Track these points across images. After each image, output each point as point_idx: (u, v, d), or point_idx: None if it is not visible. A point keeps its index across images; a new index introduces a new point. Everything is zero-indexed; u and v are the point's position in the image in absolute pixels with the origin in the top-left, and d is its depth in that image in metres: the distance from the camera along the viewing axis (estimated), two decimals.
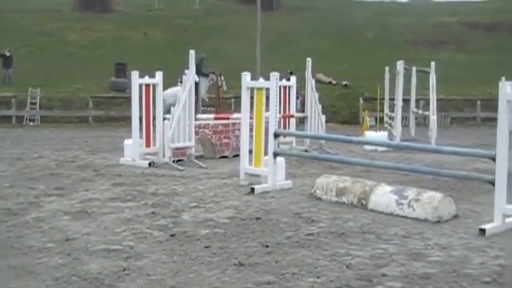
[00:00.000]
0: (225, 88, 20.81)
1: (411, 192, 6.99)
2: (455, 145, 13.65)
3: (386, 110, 16.91)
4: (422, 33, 43.55)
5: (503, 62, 30.86)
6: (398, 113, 14.77)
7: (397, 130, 14.55)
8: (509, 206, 6.18)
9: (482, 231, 6.07)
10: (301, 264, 5.09)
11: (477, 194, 8.09)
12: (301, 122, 13.72)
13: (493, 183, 6.32)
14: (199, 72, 17.31)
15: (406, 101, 16.64)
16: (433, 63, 15.25)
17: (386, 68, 16.77)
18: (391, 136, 14.91)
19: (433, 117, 14.12)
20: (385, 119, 16.86)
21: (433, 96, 14.61)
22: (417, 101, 19.21)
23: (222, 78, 20.64)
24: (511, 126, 6.14)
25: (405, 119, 17.74)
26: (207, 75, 20.30)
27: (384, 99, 17.42)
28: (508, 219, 6.28)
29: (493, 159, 6.30)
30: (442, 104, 25.29)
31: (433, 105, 14.46)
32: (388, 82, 16.79)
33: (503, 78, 20.16)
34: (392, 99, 15.69)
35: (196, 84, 15.32)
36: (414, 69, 16.32)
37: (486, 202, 6.97)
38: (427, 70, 15.35)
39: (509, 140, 6.13)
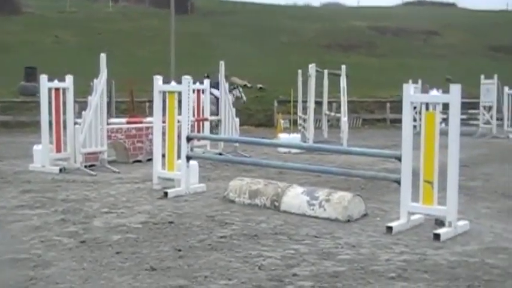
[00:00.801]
0: (245, 98, 20.66)
1: (322, 193, 7.13)
2: (365, 146, 14.05)
3: (299, 113, 17.17)
4: (335, 37, 44.53)
5: (411, 65, 32.03)
6: (311, 116, 15.04)
7: (310, 132, 14.81)
8: (414, 204, 6.41)
9: (389, 229, 6.28)
10: (214, 267, 5.10)
11: (385, 193, 8.35)
12: (216, 125, 13.73)
13: (399, 182, 6.55)
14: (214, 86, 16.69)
15: (319, 104, 16.96)
16: (343, 66, 15.62)
17: (299, 71, 17.04)
18: (304, 138, 15.16)
19: (344, 119, 14.47)
20: (299, 121, 17.12)
21: (344, 99, 14.96)
22: (330, 103, 19.62)
23: (241, 89, 20.70)
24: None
25: (318, 121, 18.07)
26: (229, 91, 19.60)
27: (297, 101, 17.69)
28: (413, 217, 6.51)
29: (399, 159, 6.53)
30: (354, 106, 25.96)
31: (344, 107, 14.80)
32: (301, 85, 17.07)
33: (410, 81, 20.95)
34: (305, 102, 15.94)
35: (218, 99, 15.68)
36: (326, 72, 16.66)
37: (393, 201, 7.20)
38: (339, 73, 15.70)
39: (414, 140, 6.37)
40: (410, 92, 6.47)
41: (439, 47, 45.63)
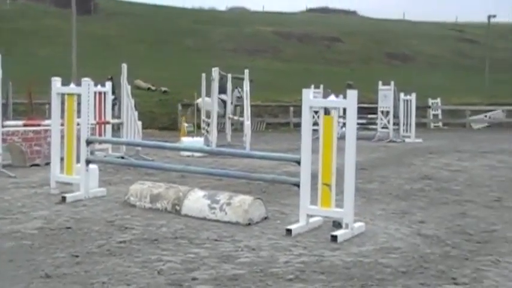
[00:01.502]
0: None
1: (223, 197, 7.16)
2: (268, 150, 14.27)
3: (203, 116, 17.17)
4: (240, 41, 44.90)
5: (315, 71, 32.75)
6: (214, 119, 15.08)
7: (213, 136, 14.85)
8: (313, 207, 6.56)
9: (289, 231, 6.38)
10: (112, 272, 5.01)
11: (286, 196, 8.48)
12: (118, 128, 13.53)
13: (298, 185, 6.67)
14: (225, 91, 18.68)
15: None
16: (246, 71, 15.75)
17: (203, 75, 17.05)
18: (207, 142, 15.17)
19: (247, 123, 14.58)
20: (202, 125, 17.13)
21: (247, 103, 15.09)
22: (234, 107, 19.73)
23: (239, 89, 20.52)
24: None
25: (221, 125, 18.14)
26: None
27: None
28: (312, 219, 6.66)
29: (298, 162, 6.65)
30: (258, 110, 26.26)
31: (247, 111, 14.93)
32: (204, 89, 17.07)
33: (313, 86, 21.39)
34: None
35: (225, 102, 18.16)
36: (229, 76, 16.75)
37: (294, 204, 7.31)
38: (242, 77, 15.82)
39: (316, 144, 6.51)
40: (310, 96, 6.61)
41: (342, 53, 46.98)
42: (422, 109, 27.71)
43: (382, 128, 20.45)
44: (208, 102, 17.20)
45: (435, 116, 30.49)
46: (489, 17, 37.03)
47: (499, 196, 9.04)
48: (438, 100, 30.47)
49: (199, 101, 19.10)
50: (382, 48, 48.57)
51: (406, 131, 20.61)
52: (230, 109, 16.17)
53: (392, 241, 6.23)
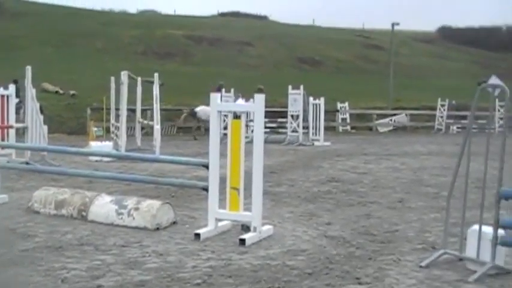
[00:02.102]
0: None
1: (131, 202, 7.07)
2: (178, 154, 14.18)
3: (112, 120, 16.86)
4: (151, 44, 44.41)
5: (226, 75, 32.81)
6: (123, 123, 14.84)
7: (122, 140, 14.61)
8: (222, 211, 6.58)
9: (197, 235, 6.38)
10: (13, 282, 4.85)
11: (196, 200, 8.47)
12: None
13: (207, 189, 6.68)
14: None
15: (133, 111, 16.79)
16: (156, 74, 15.59)
17: (112, 78, 16.75)
18: (116, 146, 14.91)
19: (156, 127, 14.42)
20: (112, 129, 16.81)
21: (156, 106, 14.93)
22: (145, 111, 19.50)
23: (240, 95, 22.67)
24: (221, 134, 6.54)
25: (131, 129, 17.88)
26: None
27: (110, 109, 17.36)
28: (220, 223, 6.68)
29: (206, 166, 6.66)
30: (169, 114, 26.05)
31: (157, 115, 14.77)
32: (114, 92, 16.77)
33: (224, 90, 21.42)
34: (118, 110, 15.69)
35: None
36: (139, 79, 16.54)
37: (203, 208, 7.30)
38: (151, 80, 15.65)
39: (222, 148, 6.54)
40: (218, 101, 6.63)
41: (253, 57, 47.32)
42: (331, 113, 28.33)
43: (292, 131, 20.74)
44: (208, 110, 17.33)
45: (343, 119, 31.24)
46: (393, 24, 38.26)
47: (401, 197, 9.37)
48: (346, 104, 31.25)
49: (198, 109, 21.40)
50: (292, 53, 49.31)
51: (315, 134, 21.01)
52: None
53: (300, 243, 6.34)
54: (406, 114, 32.29)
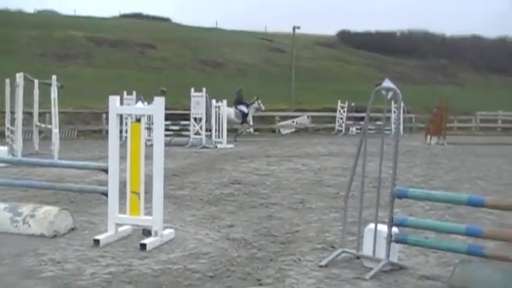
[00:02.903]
0: (263, 108, 26.78)
1: (26, 209, 6.81)
2: (79, 158, 13.84)
3: (7, 124, 16.21)
4: (50, 46, 43.09)
5: (128, 77, 32.33)
6: (18, 127, 14.30)
7: (18, 145, 14.07)
8: (122, 215, 6.46)
9: (97, 241, 6.23)
10: None
11: (96, 205, 8.27)
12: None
13: (106, 194, 6.54)
14: (243, 103, 25.01)
15: (30, 114, 16.21)
16: (54, 76, 15.12)
17: (7, 80, 16.09)
18: (12, 151, 14.34)
19: (55, 131, 14.00)
20: (7, 133, 16.16)
21: (55, 110, 14.49)
22: (43, 114, 18.89)
23: (259, 101, 26.30)
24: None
25: (29, 133, 17.26)
26: (250, 104, 25.76)
27: (5, 112, 16.65)
28: (121, 228, 6.56)
29: (106, 171, 6.52)
30: (69, 117, 25.40)
31: (55, 118, 14.34)
32: (9, 95, 16.11)
33: (125, 92, 21.11)
34: (13, 113, 15.09)
35: (243, 113, 24.60)
36: (36, 82, 15.98)
37: (103, 213, 7.14)
38: (49, 82, 15.17)
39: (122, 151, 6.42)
40: (117, 104, 6.51)
41: (155, 59, 46.88)
42: None
43: (195, 134, 20.70)
44: (230, 112, 21.73)
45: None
46: (294, 28, 39.03)
47: (302, 198, 9.54)
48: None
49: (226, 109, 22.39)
50: (195, 55, 49.24)
51: (219, 137, 21.06)
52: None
53: (202, 246, 6.32)
54: (307, 116, 33.03)
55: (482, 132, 33.99)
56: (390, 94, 5.93)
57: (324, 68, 54.01)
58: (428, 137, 24.05)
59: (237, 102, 25.08)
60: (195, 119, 20.77)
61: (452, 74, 72.44)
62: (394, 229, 5.51)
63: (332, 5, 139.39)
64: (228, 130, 21.91)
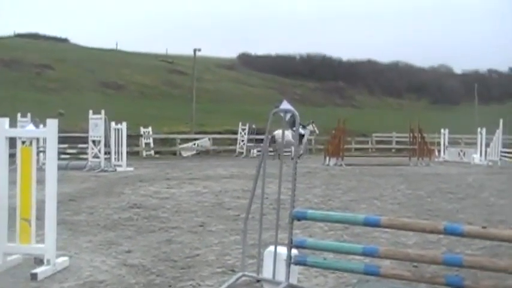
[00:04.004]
0: (317, 131, 30.26)
1: None
2: None
3: None
4: None
5: (23, 98, 31.18)
6: None
7: None
8: (11, 244, 6.12)
9: None
10: None
11: None
12: None
13: None
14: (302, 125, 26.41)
15: None
16: None
17: None
18: None
19: None
20: None
21: None
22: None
23: (314, 124, 29.45)
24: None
25: None
26: (305, 126, 28.23)
27: None
28: (10, 258, 6.21)
29: None
30: None
31: None
32: None
33: (19, 114, 20.32)
34: None
35: (302, 135, 25.88)
36: None
37: None
38: None
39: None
40: (6, 126, 6.19)
41: (53, 80, 45.63)
42: (134, 138, 28.07)
43: (94, 157, 20.15)
44: (288, 134, 21.54)
45: (147, 144, 31.10)
46: (195, 50, 39.08)
47: (203, 221, 9.43)
48: (149, 129, 31.16)
49: (276, 132, 23.61)
50: (95, 76, 48.29)
51: (118, 159, 20.61)
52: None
53: (97, 274, 6.08)
54: (209, 138, 33.00)
55: (378, 153, 35.15)
56: (288, 115, 5.97)
57: (225, 90, 54.44)
58: (327, 158, 24.54)
59: (293, 124, 23.91)
60: (93, 141, 20.22)
61: (350, 96, 75.03)
62: (294, 251, 5.50)
63: (233, 28, 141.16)
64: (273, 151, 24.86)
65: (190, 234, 8.32)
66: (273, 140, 24.98)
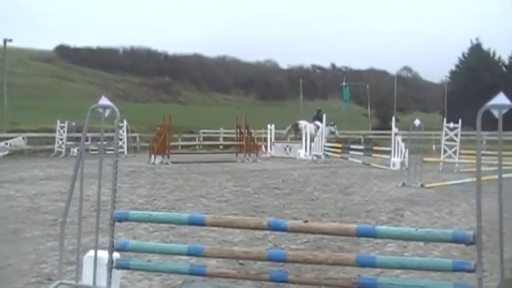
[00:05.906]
0: (337, 134, 32.83)
1: None
2: None
3: None
4: None
5: None
6: None
7: None
8: None
9: None
10: None
11: None
12: None
13: None
14: (320, 119, 29.18)
15: None
16: None
17: None
18: None
19: None
20: None
21: None
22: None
23: (335, 126, 32.46)
24: None
25: None
26: (328, 124, 30.12)
27: None
28: None
29: None
30: None
31: None
32: None
33: None
34: None
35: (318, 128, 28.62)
36: None
37: None
38: None
39: None
40: None
41: None
42: None
43: None
44: (311, 127, 28.78)
45: None
46: (5, 40, 36.19)
47: (16, 228, 8.72)
48: None
49: (301, 122, 30.45)
50: None
51: None
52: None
53: None
54: (23, 138, 31.09)
55: (205, 149, 35.34)
56: (108, 112, 5.64)
57: (41, 85, 51.81)
58: (153, 156, 24.14)
59: (315, 118, 31.20)
60: None
61: (176, 92, 74.95)
62: (116, 254, 5.21)
63: (48, 16, 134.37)
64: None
65: (0, 244, 7.62)
66: (297, 129, 30.76)
